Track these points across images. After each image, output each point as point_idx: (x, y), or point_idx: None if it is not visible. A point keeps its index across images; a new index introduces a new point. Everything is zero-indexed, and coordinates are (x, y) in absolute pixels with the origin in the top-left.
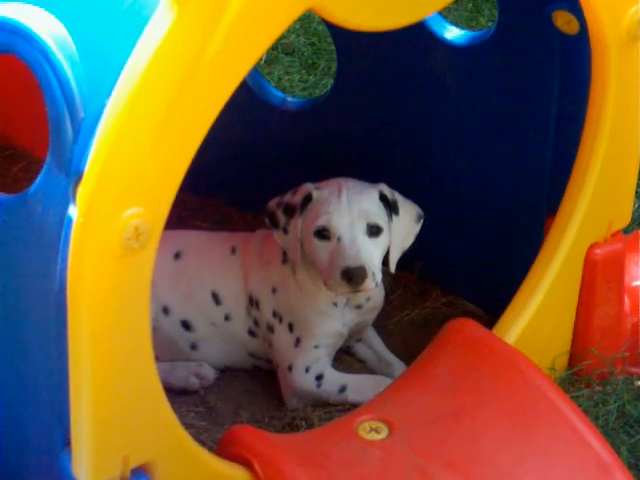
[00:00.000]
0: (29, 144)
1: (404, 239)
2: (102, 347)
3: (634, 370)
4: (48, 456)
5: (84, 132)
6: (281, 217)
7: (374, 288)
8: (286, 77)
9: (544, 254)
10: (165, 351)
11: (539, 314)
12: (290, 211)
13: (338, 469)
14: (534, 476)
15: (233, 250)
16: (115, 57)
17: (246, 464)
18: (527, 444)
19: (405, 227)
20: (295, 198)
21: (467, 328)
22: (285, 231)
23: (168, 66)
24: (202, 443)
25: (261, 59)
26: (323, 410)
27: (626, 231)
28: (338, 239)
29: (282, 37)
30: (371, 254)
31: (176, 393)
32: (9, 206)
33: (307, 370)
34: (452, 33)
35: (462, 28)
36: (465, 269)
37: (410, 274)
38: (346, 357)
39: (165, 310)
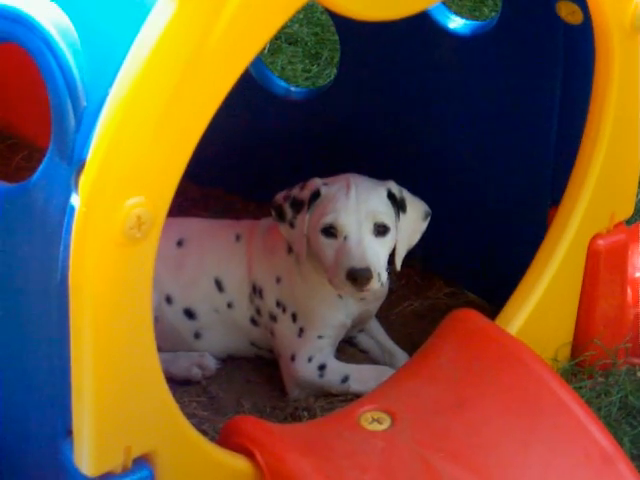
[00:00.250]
0: (31, 133)
1: (410, 236)
2: (104, 336)
3: (637, 361)
4: (49, 445)
5: (86, 121)
6: (288, 211)
7: (380, 288)
8: (289, 67)
9: (547, 245)
10: (167, 341)
11: (542, 305)
12: (297, 206)
13: (340, 459)
14: (537, 467)
15: (238, 237)
16: (117, 45)
17: (248, 454)
18: (529, 435)
19: (412, 225)
20: (303, 193)
21: (470, 319)
22: (292, 225)
23: (171, 55)
24: (204, 433)
25: (264, 49)
26: (325, 400)
27: (629, 222)
28: (345, 238)
29: (285, 27)
30: (377, 254)
31: (178, 383)
32: (11, 195)
33: (310, 360)
34: (455, 23)
35: (465, 18)
36: (468, 260)
37: (413, 265)
38: (349, 348)
39: (168, 299)
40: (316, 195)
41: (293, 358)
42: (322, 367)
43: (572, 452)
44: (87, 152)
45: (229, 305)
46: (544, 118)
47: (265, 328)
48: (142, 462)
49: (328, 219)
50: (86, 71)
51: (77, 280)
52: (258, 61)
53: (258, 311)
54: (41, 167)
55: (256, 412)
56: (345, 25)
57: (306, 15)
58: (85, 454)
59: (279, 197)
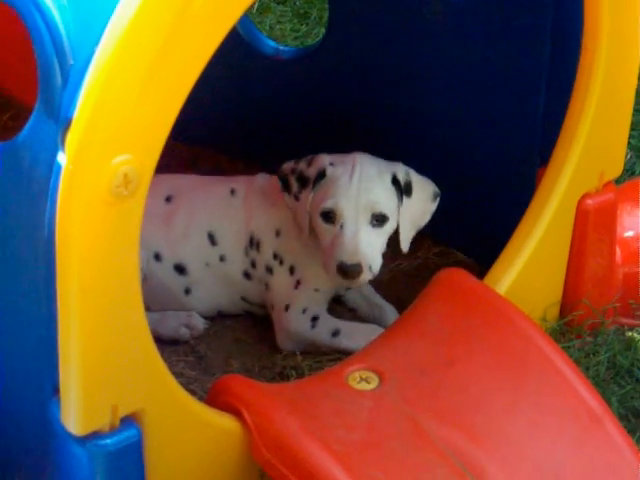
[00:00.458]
0: (19, 92)
1: (419, 218)
2: (91, 295)
3: (625, 321)
4: (37, 404)
5: (73, 78)
6: (294, 184)
7: (371, 279)
8: (278, 26)
9: (535, 204)
10: (157, 300)
11: (530, 264)
12: (303, 181)
13: (328, 418)
14: (524, 426)
15: (232, 192)
16: (104, 3)
17: (236, 413)
18: (518, 394)
19: (420, 207)
20: (309, 170)
21: (458, 278)
22: (296, 198)
23: (157, 12)
24: (192, 392)
25: (253, 7)
26: (314, 360)
27: (618, 181)
28: (341, 226)
29: None
30: (372, 245)
31: (166, 343)
32: None
33: (304, 311)
34: None
35: None
36: (457, 219)
37: None
38: (337, 306)
39: (157, 256)
40: (322, 174)
41: (287, 308)
42: (315, 319)
43: (560, 411)
44: (74, 110)
45: (221, 258)
46: (533, 75)
47: (259, 282)
48: (130, 421)
49: (328, 204)
50: (73, 28)
51: (64, 238)
52: (246, 20)
53: (253, 264)
54: (28, 125)
55: (244, 371)
56: None
57: None
58: (72, 413)
59: (286, 168)
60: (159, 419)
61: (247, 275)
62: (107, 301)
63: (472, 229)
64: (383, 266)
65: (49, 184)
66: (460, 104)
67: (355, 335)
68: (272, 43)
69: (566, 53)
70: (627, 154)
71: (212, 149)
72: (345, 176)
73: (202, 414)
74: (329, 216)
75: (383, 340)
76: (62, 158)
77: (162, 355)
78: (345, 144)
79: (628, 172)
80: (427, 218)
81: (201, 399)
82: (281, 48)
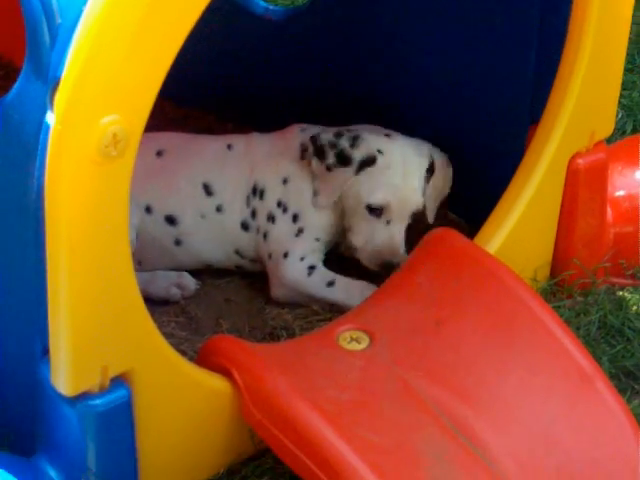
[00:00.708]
0: (8, 52)
1: (442, 188)
2: (80, 255)
3: (616, 280)
4: (27, 365)
5: (61, 38)
6: (330, 156)
7: None
8: None
9: (526, 164)
10: (147, 255)
11: (521, 224)
12: (344, 160)
13: (318, 378)
14: (515, 386)
15: (229, 147)
16: None
17: (226, 373)
18: (508, 354)
19: (441, 179)
20: (355, 152)
21: (448, 238)
22: (328, 169)
23: None
24: (183, 353)
25: None
26: (304, 320)
27: (609, 141)
28: (388, 222)
29: None
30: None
31: (157, 303)
32: None
33: (302, 259)
34: None
35: None
36: None
37: None
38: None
39: (148, 209)
40: (369, 161)
41: (286, 255)
42: (312, 267)
43: (550, 371)
44: (62, 70)
45: (218, 209)
46: (524, 32)
47: (256, 233)
48: (120, 382)
49: (379, 200)
50: None
51: (53, 198)
52: None
53: (253, 213)
54: (16, 85)
55: (235, 332)
56: None
57: None
58: (62, 374)
59: (323, 139)
60: (149, 379)
61: (245, 226)
62: (96, 261)
63: (462, 188)
64: None
65: (38, 144)
66: (450, 64)
67: (349, 289)
68: (262, 3)
69: (557, 11)
70: (618, 113)
71: (201, 110)
72: (396, 170)
73: (192, 374)
74: (374, 209)
75: (374, 300)
76: (51, 118)
77: (152, 316)
78: (335, 106)
79: (619, 131)
80: (449, 186)
81: (191, 360)
82: (271, 8)
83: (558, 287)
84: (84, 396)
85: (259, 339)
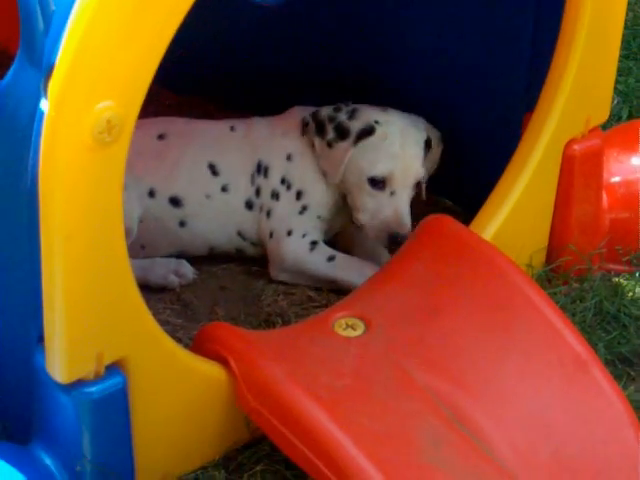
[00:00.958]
0: (4, 41)
1: (433, 163)
2: (74, 242)
3: (612, 267)
4: (21, 352)
5: (55, 24)
6: (330, 132)
7: None
8: None
9: (522, 150)
10: (151, 238)
11: (516, 210)
12: (342, 133)
13: (314, 365)
14: (511, 373)
15: (232, 128)
16: None
17: (221, 360)
18: (504, 341)
19: (435, 155)
20: (352, 124)
21: (444, 224)
22: (329, 145)
23: None
24: (178, 340)
25: None
26: (300, 307)
27: (604, 127)
28: (392, 193)
29: None
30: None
31: (153, 290)
32: None
33: (304, 236)
34: None
35: None
36: (443, 166)
37: None
38: None
39: (151, 193)
40: (367, 131)
41: (290, 233)
42: (314, 243)
43: (546, 358)
44: (56, 56)
45: (224, 189)
46: (519, 19)
47: (259, 211)
48: (115, 369)
49: (381, 170)
50: None
51: (47, 185)
52: None
53: (257, 191)
54: (10, 72)
55: (230, 319)
56: None
57: None
58: (57, 361)
59: (323, 114)
60: (144, 367)
61: (249, 205)
62: (90, 248)
63: (458, 175)
64: None
65: (32, 131)
66: (447, 50)
67: (349, 266)
68: None
69: None
70: (613, 99)
71: (199, 97)
72: (395, 141)
73: (187, 362)
74: (377, 181)
75: (369, 287)
76: (45, 105)
77: (148, 303)
78: (332, 90)
79: (615, 118)
80: (437, 161)
81: (187, 347)
82: None
83: (554, 273)
84: (79, 383)
85: (254, 326)
